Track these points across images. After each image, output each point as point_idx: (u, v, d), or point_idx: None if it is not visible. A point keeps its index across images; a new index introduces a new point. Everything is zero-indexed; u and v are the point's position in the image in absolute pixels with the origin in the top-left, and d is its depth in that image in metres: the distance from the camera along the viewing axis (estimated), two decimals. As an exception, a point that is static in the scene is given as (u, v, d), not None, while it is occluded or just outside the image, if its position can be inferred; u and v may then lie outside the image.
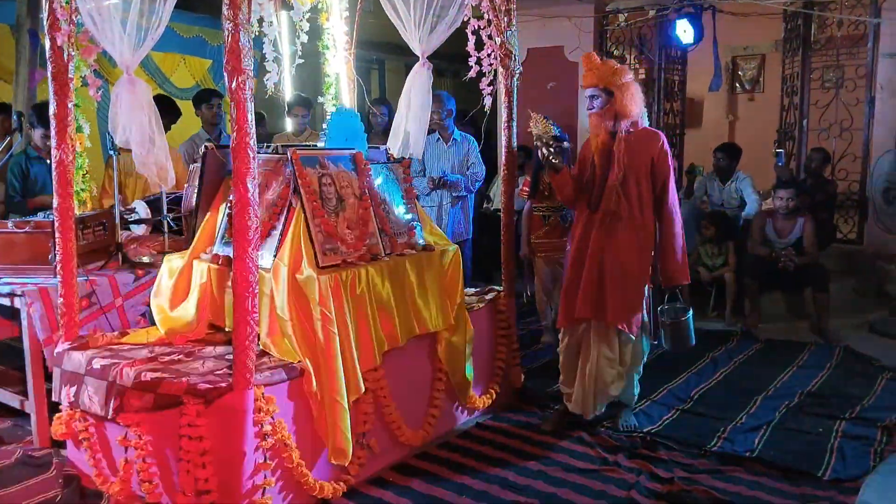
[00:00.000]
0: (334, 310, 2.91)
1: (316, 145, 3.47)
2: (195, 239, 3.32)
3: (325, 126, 3.45)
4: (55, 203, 3.17)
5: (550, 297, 5.01)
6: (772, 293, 5.91)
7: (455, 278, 3.59)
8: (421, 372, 3.49)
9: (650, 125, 3.74)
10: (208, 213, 3.34)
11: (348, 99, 4.55)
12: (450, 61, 6.00)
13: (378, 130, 6.29)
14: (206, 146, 3.28)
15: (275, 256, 2.99)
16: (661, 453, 3.45)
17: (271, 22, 3.32)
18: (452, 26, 3.75)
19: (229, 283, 2.93)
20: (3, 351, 4.06)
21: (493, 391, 3.90)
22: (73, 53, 3.11)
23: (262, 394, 2.72)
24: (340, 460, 2.97)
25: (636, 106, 3.49)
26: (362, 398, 3.06)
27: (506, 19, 3.82)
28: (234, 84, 2.52)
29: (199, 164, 3.33)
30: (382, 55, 10.94)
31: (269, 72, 3.53)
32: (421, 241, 3.53)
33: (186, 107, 5.84)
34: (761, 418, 3.83)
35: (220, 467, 2.69)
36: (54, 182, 3.16)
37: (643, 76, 8.29)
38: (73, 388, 2.99)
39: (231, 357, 2.74)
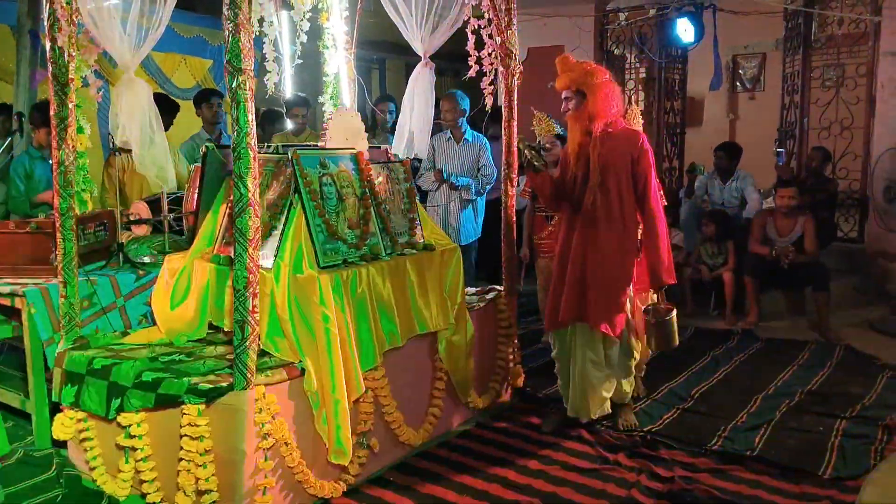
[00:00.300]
0: (335, 310, 2.92)
1: (316, 145, 3.48)
2: (195, 239, 3.32)
3: (325, 126, 3.45)
4: (55, 203, 3.17)
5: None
6: (772, 292, 5.91)
7: (456, 278, 3.59)
8: (421, 371, 3.49)
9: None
10: (208, 213, 3.34)
11: (348, 99, 4.55)
12: (450, 61, 5.99)
13: (386, 128, 6.29)
14: (206, 146, 3.28)
15: (275, 256, 2.99)
16: (661, 452, 3.45)
17: (271, 22, 3.33)
18: (454, 26, 3.76)
19: (229, 283, 2.94)
20: (3, 351, 4.07)
21: (493, 391, 3.90)
22: (73, 54, 3.12)
23: (263, 394, 2.72)
24: (341, 460, 2.96)
25: (611, 106, 3.48)
26: (362, 398, 3.06)
27: (506, 18, 3.81)
28: (234, 84, 2.52)
29: (199, 164, 3.33)
30: (383, 55, 10.95)
31: (270, 72, 3.54)
32: (422, 241, 3.53)
33: (187, 107, 5.84)
34: (762, 417, 3.83)
35: (220, 467, 2.69)
36: (55, 182, 3.17)
37: (643, 75, 8.30)
38: (74, 389, 2.99)
39: (231, 357, 2.74)
